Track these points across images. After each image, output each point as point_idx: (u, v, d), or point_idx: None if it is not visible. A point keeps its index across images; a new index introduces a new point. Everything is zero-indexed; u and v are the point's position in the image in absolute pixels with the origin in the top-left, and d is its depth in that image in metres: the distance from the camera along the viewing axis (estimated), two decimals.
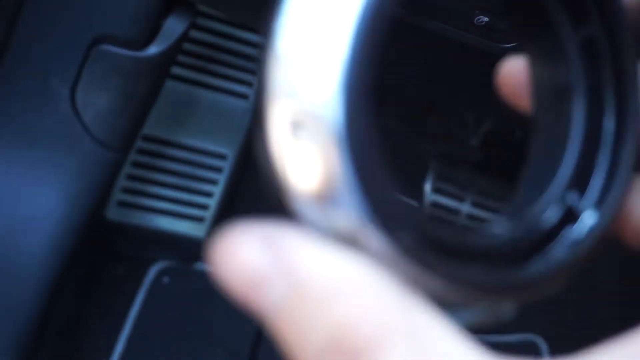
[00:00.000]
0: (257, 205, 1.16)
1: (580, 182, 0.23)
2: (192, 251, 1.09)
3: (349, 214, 0.16)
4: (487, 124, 1.14)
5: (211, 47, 1.00)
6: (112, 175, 0.76)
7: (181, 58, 0.97)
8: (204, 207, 1.06)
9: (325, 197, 0.17)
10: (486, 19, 0.60)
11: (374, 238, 0.16)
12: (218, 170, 1.05)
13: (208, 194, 1.05)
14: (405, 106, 1.17)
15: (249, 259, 0.16)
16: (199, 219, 1.06)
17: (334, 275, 0.15)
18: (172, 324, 1.08)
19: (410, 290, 0.16)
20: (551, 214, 0.23)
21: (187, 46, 0.97)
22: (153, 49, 0.69)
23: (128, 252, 1.09)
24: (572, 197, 0.23)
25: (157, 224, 1.05)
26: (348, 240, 0.16)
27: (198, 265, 1.12)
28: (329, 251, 0.16)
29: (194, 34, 0.97)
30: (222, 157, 1.04)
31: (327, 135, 0.16)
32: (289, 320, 0.16)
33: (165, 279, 1.10)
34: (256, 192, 1.17)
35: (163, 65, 0.72)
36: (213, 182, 1.05)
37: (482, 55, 0.61)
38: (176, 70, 0.98)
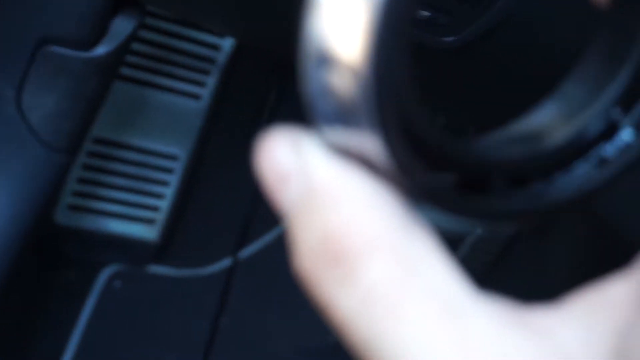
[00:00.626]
0: (210, 206, 1.16)
1: (628, 100, 0.22)
2: (144, 254, 1.08)
3: (367, 133, 0.17)
4: (439, 122, 1.15)
5: (160, 47, 0.98)
6: (60, 178, 0.74)
7: (130, 58, 0.96)
8: (155, 209, 1.04)
9: (347, 116, 0.18)
10: (428, 14, 0.60)
11: (387, 158, 0.17)
12: (169, 171, 1.03)
13: (159, 196, 1.04)
14: None
15: (279, 157, 0.18)
16: (150, 221, 1.05)
17: (340, 184, 0.17)
18: (124, 329, 1.06)
19: (413, 212, 0.17)
20: (591, 127, 0.22)
21: (136, 46, 0.96)
22: (101, 50, 0.68)
23: (78, 256, 1.07)
24: (616, 112, 0.22)
25: (108, 227, 1.03)
26: (363, 158, 0.18)
27: (150, 269, 1.10)
28: (342, 164, 0.17)
29: (143, 33, 0.95)
30: (173, 158, 1.03)
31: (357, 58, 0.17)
32: (297, 219, 0.18)
33: (117, 283, 1.08)
34: (209, 193, 1.16)
35: (111, 65, 0.71)
36: (164, 183, 1.04)
37: (425, 51, 0.61)
38: (125, 70, 0.96)
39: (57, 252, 1.05)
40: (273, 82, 1.10)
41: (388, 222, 0.17)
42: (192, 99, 1.02)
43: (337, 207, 0.17)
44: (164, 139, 1.02)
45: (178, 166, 1.04)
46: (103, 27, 0.68)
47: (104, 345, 1.04)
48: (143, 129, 1.01)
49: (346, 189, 0.17)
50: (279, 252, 1.19)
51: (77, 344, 1.02)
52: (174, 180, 1.04)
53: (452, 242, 1.22)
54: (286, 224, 0.18)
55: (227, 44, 1.00)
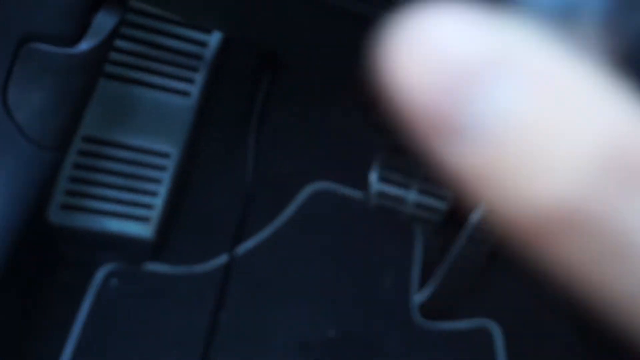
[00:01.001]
0: (204, 202, 1.16)
1: None
2: (139, 252, 1.08)
3: None
4: None
5: (149, 45, 0.99)
6: (50, 176, 0.74)
7: (118, 57, 0.96)
8: (149, 206, 1.05)
9: None
10: None
11: None
12: (162, 169, 1.04)
13: (153, 194, 1.04)
14: (352, 95, 1.18)
15: (466, 43, 0.11)
16: (145, 219, 1.05)
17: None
18: (122, 327, 1.06)
19: None
20: None
21: (124, 44, 0.96)
22: (84, 45, 0.68)
23: (74, 256, 1.07)
24: None
25: (102, 226, 1.04)
26: None
27: (146, 266, 1.11)
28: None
29: (130, 31, 0.96)
30: (165, 155, 1.03)
31: None
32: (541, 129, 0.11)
33: (114, 282, 1.08)
34: (203, 189, 1.16)
35: (96, 61, 0.71)
36: (157, 181, 1.04)
37: None
38: (115, 69, 0.97)
39: (52, 252, 1.06)
40: (262, 76, 1.10)
41: None
42: (181, 96, 1.02)
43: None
44: (155, 136, 1.02)
45: (170, 163, 1.04)
46: (85, 22, 0.68)
47: (102, 343, 1.04)
48: (134, 127, 1.01)
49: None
50: (275, 247, 1.19)
51: (75, 343, 1.02)
52: (167, 177, 1.04)
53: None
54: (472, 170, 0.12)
55: (214, 40, 1.01)
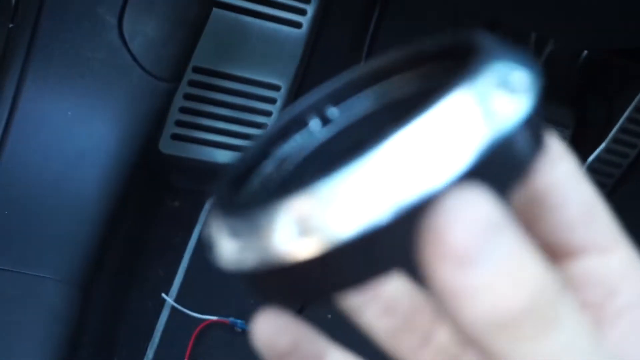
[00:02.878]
0: None
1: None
2: None
3: None
4: (550, 46, 1.09)
5: None
6: (163, 106, 0.75)
7: None
8: None
9: None
10: None
11: None
12: (271, 101, 1.03)
13: (262, 126, 1.04)
14: (464, 27, 1.13)
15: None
16: None
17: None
18: None
19: None
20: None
21: None
22: None
23: (184, 185, 1.09)
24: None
25: (211, 157, 1.05)
26: None
27: None
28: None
29: None
30: (275, 88, 1.03)
31: None
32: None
33: None
34: None
35: None
36: (266, 113, 1.04)
37: None
38: None
39: (164, 182, 1.08)
40: (372, 10, 1.07)
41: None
42: (292, 28, 1.00)
43: None
44: (265, 68, 1.01)
45: (279, 96, 1.03)
46: None
47: (211, 271, 1.06)
48: (244, 59, 1.00)
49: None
50: None
51: (185, 269, 1.04)
52: (275, 110, 1.04)
53: None
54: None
55: None
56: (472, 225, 0.15)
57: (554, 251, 0.21)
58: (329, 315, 1.07)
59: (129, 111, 0.71)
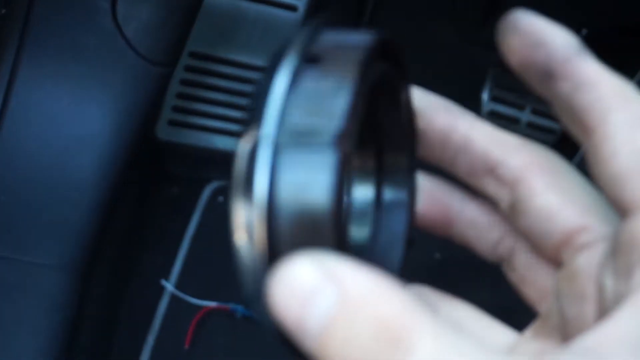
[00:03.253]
0: None
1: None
2: None
3: None
4: None
5: None
6: (159, 91, 0.74)
7: None
8: None
9: None
10: None
11: None
12: None
13: None
14: (462, 10, 1.12)
15: (302, 277, 0.19)
16: None
17: (371, 284, 0.19)
18: (229, 242, 1.07)
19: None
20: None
21: None
22: None
23: (182, 172, 1.08)
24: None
25: (208, 143, 1.04)
26: None
27: None
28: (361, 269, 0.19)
29: None
30: None
31: None
32: (337, 325, 0.19)
33: (220, 198, 1.10)
34: None
35: None
36: None
37: None
38: None
39: (162, 169, 1.07)
40: None
41: (418, 306, 0.19)
42: (288, 11, 1.00)
43: (377, 302, 0.19)
44: (261, 52, 1.01)
45: None
46: None
47: (210, 257, 1.06)
48: (239, 43, 1.00)
49: (376, 287, 0.19)
50: None
51: (184, 256, 1.04)
52: None
53: None
54: (314, 344, 0.19)
55: None
56: (293, 296, 0.19)
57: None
58: None
59: (124, 96, 0.70)
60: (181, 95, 1.00)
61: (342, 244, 0.21)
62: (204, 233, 1.06)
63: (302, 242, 0.20)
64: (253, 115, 0.20)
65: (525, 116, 1.11)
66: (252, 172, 0.20)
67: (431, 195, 0.29)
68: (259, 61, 1.01)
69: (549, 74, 0.23)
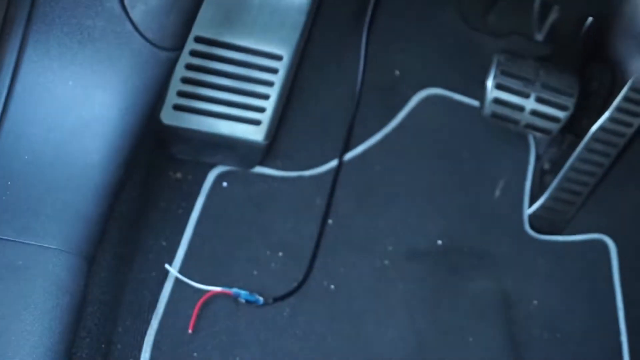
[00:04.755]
0: (314, 107, 1.14)
1: None
2: (249, 155, 1.08)
3: None
4: (554, 14, 1.08)
5: None
6: (165, 76, 0.74)
7: None
8: (260, 110, 1.04)
9: None
10: None
11: None
12: (273, 71, 1.02)
13: (264, 97, 1.03)
14: None
15: None
16: (256, 122, 1.05)
17: None
18: (232, 227, 1.08)
19: None
20: None
21: None
22: None
23: (187, 156, 1.08)
24: None
25: (213, 128, 1.04)
26: None
27: (256, 169, 1.11)
28: None
29: None
30: (277, 57, 1.02)
31: None
32: None
33: (225, 183, 1.10)
34: (312, 93, 1.14)
35: None
36: (269, 83, 1.03)
37: None
38: None
39: (166, 153, 1.07)
40: None
41: None
42: None
43: None
44: (267, 37, 1.00)
45: (282, 66, 1.02)
46: None
47: (214, 242, 1.06)
48: (245, 28, 0.99)
49: None
50: (385, 153, 1.17)
51: (188, 240, 1.04)
52: (278, 80, 1.03)
53: None
54: None
55: None
56: None
57: None
58: (332, 287, 1.07)
59: (130, 80, 0.70)
60: (186, 80, 1.00)
61: None
62: (208, 217, 1.06)
63: None
64: None
65: (530, 104, 1.11)
66: None
67: None
68: (264, 47, 1.01)
69: None
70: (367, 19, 1.10)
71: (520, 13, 1.12)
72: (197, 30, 0.98)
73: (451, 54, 1.17)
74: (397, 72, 1.18)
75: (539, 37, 1.15)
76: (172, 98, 1.01)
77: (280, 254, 1.08)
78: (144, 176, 1.03)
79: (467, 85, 1.18)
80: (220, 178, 1.10)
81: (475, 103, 1.18)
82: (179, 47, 0.74)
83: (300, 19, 1.00)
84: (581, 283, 1.21)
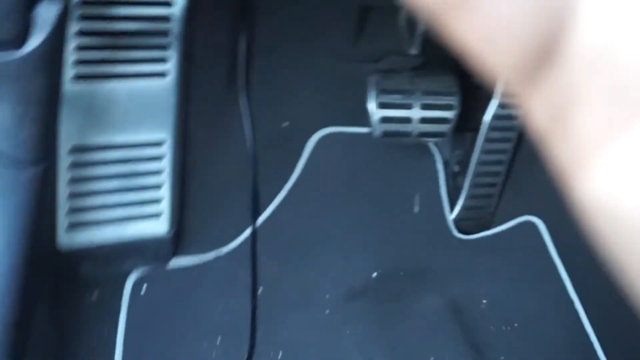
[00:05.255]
0: (211, 182, 1.11)
1: None
2: (160, 250, 1.04)
3: None
4: (421, 25, 1.10)
5: (109, 34, 0.93)
6: (41, 193, 0.70)
7: (81, 55, 0.91)
8: (157, 201, 1.00)
9: None
10: None
11: None
12: (159, 158, 0.99)
13: (157, 187, 0.99)
14: (333, 30, 1.12)
15: None
16: (155, 216, 1.00)
17: None
18: (163, 330, 1.02)
19: None
20: None
21: (84, 41, 0.90)
22: (33, 43, 0.63)
23: (98, 273, 1.03)
24: None
25: (114, 236, 0.99)
26: None
27: (172, 263, 1.06)
28: None
29: (86, 25, 0.90)
30: (158, 144, 0.98)
31: None
32: None
33: (144, 287, 1.04)
34: (206, 169, 1.11)
35: (50, 57, 0.66)
36: (158, 172, 0.99)
37: None
38: (81, 69, 0.91)
39: (74, 276, 1.02)
40: (240, 30, 1.05)
41: None
42: (158, 78, 0.96)
43: None
44: (143, 127, 0.97)
45: (167, 150, 0.99)
46: (26, 20, 0.63)
47: (148, 348, 1.00)
48: (119, 123, 0.96)
49: None
50: (296, 203, 1.14)
51: (121, 356, 0.98)
52: (167, 166, 0.99)
53: None
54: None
55: (177, 11, 0.94)
56: None
57: None
58: (280, 354, 1.03)
59: (3, 208, 0.65)
60: (73, 195, 0.95)
61: None
62: (136, 328, 1.00)
63: None
64: None
65: (416, 113, 1.11)
66: None
67: None
68: (143, 136, 0.97)
69: None
70: (243, 79, 1.08)
71: (389, 33, 1.13)
72: (70, 141, 0.94)
73: (333, 90, 1.16)
74: (286, 123, 1.16)
75: (414, 50, 1.16)
76: (63, 220, 0.96)
77: (219, 340, 1.02)
78: (60, 305, 0.97)
79: (356, 116, 1.18)
80: (138, 285, 1.04)
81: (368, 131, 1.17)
82: (47, 158, 0.70)
83: (172, 100, 0.97)
84: (523, 268, 1.20)
